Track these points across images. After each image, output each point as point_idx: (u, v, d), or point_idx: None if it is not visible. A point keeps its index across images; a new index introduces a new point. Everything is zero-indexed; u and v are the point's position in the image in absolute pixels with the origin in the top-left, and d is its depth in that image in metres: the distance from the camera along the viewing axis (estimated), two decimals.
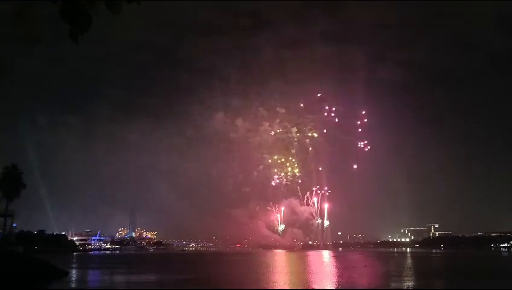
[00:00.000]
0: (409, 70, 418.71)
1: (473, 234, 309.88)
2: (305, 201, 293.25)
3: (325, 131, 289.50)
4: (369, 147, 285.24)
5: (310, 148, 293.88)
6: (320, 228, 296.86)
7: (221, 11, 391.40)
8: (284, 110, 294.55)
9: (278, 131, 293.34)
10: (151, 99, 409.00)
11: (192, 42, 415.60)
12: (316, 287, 52.57)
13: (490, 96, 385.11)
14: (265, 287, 52.93)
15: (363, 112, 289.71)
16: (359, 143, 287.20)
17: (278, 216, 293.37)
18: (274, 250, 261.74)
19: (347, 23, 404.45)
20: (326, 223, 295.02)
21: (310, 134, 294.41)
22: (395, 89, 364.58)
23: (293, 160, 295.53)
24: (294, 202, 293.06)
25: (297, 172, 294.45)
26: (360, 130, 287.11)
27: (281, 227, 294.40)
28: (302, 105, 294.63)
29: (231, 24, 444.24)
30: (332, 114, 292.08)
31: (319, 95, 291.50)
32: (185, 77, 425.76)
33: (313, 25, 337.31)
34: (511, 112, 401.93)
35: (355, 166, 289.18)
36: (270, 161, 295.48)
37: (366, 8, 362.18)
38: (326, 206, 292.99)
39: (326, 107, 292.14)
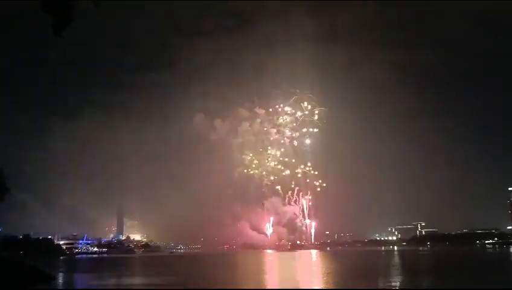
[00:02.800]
0: (393, 70, 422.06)
1: (459, 231, 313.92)
2: (287, 200, 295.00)
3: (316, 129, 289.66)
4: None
5: (290, 148, 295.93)
6: (307, 227, 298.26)
7: (204, 12, 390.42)
8: (263, 111, 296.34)
9: (257, 130, 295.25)
10: (132, 102, 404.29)
11: (175, 44, 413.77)
12: (312, 287, 52.58)
13: (474, 95, 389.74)
14: (263, 287, 52.86)
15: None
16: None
17: (267, 225, 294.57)
18: (264, 250, 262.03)
19: (330, 24, 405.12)
20: (313, 224, 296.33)
21: (289, 134, 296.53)
22: (378, 89, 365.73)
23: (274, 161, 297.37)
24: (276, 201, 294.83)
25: (279, 171, 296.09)
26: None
27: (270, 229, 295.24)
28: (281, 105, 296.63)
29: (214, 25, 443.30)
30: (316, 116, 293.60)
31: (296, 97, 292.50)
32: (166, 78, 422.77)
33: (296, 26, 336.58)
34: (495, 111, 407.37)
35: None
36: (250, 161, 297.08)
37: (350, 8, 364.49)
38: (313, 225, 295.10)
39: (309, 107, 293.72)
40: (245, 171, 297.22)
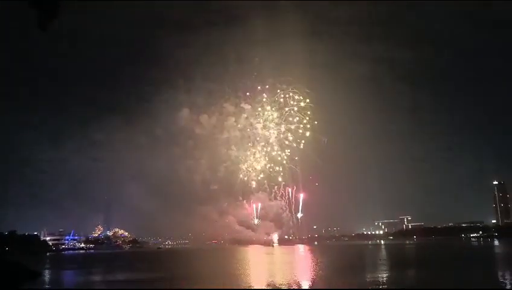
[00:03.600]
0: (380, 65, 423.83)
1: (444, 225, 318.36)
2: (273, 195, 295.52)
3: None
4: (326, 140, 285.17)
5: (275, 144, 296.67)
6: (294, 222, 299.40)
7: (192, 8, 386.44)
8: (249, 107, 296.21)
9: (243, 126, 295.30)
10: (120, 97, 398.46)
11: (163, 39, 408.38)
12: (310, 287, 52.71)
13: (462, 90, 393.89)
14: (259, 287, 52.87)
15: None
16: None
17: (254, 208, 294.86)
18: (251, 245, 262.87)
19: (318, 20, 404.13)
20: (300, 215, 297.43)
21: (275, 129, 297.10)
22: (364, 84, 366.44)
23: (260, 156, 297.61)
24: (263, 196, 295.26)
25: (265, 166, 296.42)
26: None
27: (257, 221, 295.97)
28: (267, 101, 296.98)
29: (201, 20, 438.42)
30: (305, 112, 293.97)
31: (282, 92, 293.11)
32: (153, 74, 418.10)
33: (284, 21, 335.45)
34: (481, 105, 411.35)
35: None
36: (236, 156, 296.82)
37: (337, 3, 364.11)
38: (301, 197, 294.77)
39: (295, 102, 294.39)
40: (231, 166, 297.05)
